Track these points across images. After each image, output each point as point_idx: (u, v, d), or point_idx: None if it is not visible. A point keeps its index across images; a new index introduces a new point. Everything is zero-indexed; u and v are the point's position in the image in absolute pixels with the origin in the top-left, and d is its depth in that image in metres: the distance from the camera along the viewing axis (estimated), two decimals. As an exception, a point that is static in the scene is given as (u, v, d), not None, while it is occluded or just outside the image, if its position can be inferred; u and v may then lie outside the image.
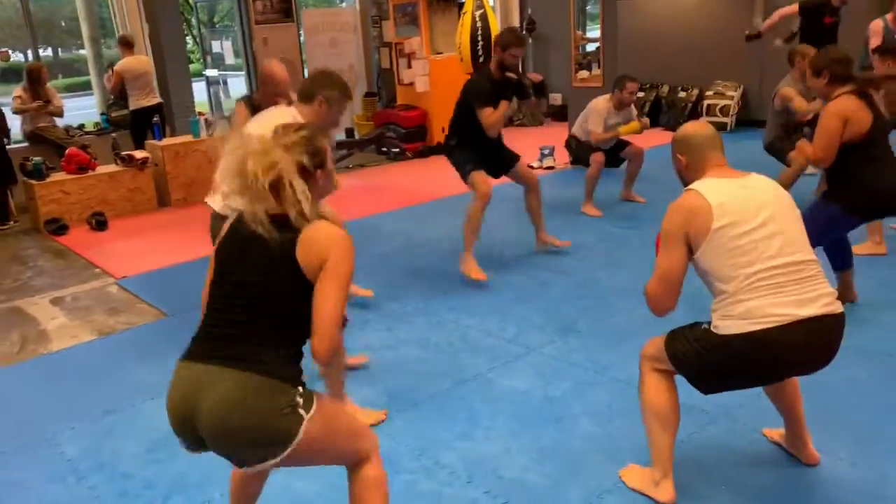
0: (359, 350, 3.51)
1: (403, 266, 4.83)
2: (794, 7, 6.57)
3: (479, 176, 4.37)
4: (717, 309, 2.13)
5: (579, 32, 10.13)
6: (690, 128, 2.35)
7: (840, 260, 3.61)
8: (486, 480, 2.51)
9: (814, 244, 3.29)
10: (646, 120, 5.90)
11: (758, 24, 8.05)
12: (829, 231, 3.39)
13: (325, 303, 1.71)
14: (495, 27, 7.22)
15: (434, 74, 8.56)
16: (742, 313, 2.05)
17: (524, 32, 10.12)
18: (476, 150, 4.39)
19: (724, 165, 2.27)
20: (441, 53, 8.66)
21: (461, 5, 7.58)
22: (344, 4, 10.55)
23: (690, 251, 2.15)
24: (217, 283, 1.82)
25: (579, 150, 6.04)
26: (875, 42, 6.42)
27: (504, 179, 4.69)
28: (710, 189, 2.14)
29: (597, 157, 5.70)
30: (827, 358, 2.14)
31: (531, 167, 5.96)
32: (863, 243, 4.32)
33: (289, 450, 1.69)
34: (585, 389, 3.09)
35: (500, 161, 4.56)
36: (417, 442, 2.76)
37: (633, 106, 5.90)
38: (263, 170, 1.71)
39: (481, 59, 7.11)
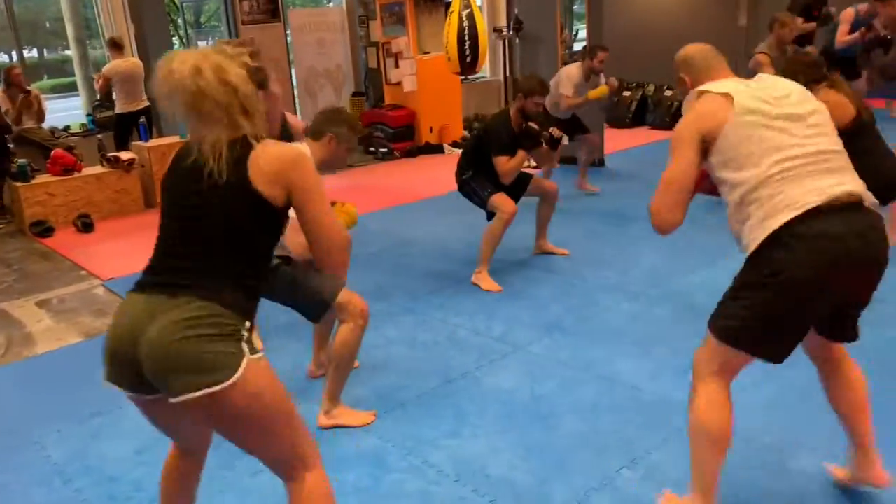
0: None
1: (391, 266, 4.83)
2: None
3: (500, 196, 4.33)
4: (745, 231, 1.94)
5: (567, 32, 10.17)
6: (691, 48, 2.22)
7: None
8: (473, 479, 2.52)
9: None
10: (613, 81, 5.94)
11: (743, 22, 8.12)
12: None
13: (318, 220, 1.71)
14: (482, 27, 7.23)
15: (421, 74, 8.57)
16: (774, 207, 1.86)
17: (511, 32, 10.15)
18: (492, 178, 4.35)
19: (733, 76, 2.13)
20: (428, 53, 8.67)
21: (448, 5, 7.58)
22: (331, 4, 10.53)
23: (708, 151, 1.98)
24: (167, 215, 1.75)
25: (546, 121, 5.99)
26: (844, 29, 6.62)
27: None
28: (726, 86, 2.01)
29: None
30: (879, 259, 1.91)
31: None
32: None
33: (225, 384, 1.53)
34: (572, 387, 3.11)
35: (516, 186, 4.49)
36: (405, 441, 2.77)
37: (602, 75, 5.93)
38: (215, 83, 1.63)
39: (469, 59, 7.13)
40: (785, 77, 3.48)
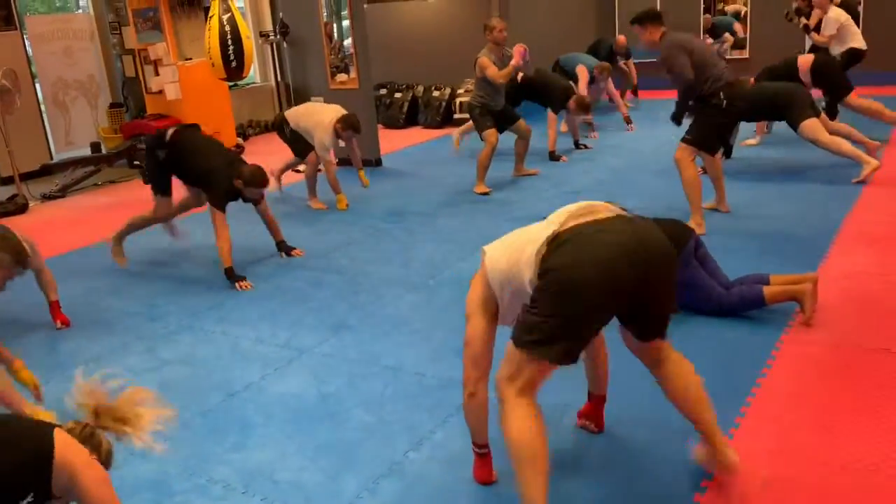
0: (118, 375, 3.27)
1: (164, 283, 4.56)
2: None
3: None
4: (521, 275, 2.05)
5: (336, 38, 10.21)
6: None
7: None
8: (262, 487, 2.46)
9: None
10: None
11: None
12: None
13: None
14: (246, 31, 7.03)
15: (185, 81, 8.16)
16: (529, 255, 2.04)
17: (277, 36, 10.00)
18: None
19: None
20: (190, 59, 8.28)
21: (207, 9, 7.29)
22: (79, 11, 9.67)
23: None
24: None
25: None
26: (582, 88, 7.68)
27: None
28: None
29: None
30: (651, 257, 2.04)
31: (299, 171, 5.92)
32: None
33: None
34: (359, 382, 3.14)
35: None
36: (187, 462, 2.63)
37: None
38: None
39: (234, 65, 6.89)
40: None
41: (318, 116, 5.78)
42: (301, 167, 6.27)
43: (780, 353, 3.09)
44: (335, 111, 5.77)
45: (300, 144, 5.95)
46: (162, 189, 4.73)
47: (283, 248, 4.82)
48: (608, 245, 1.95)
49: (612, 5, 11.37)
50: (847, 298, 3.55)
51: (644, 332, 2.17)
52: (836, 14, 7.17)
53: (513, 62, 5.71)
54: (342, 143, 5.84)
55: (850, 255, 4.08)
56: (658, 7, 10.37)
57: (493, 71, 5.72)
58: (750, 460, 2.35)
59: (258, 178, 4.38)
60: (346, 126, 5.68)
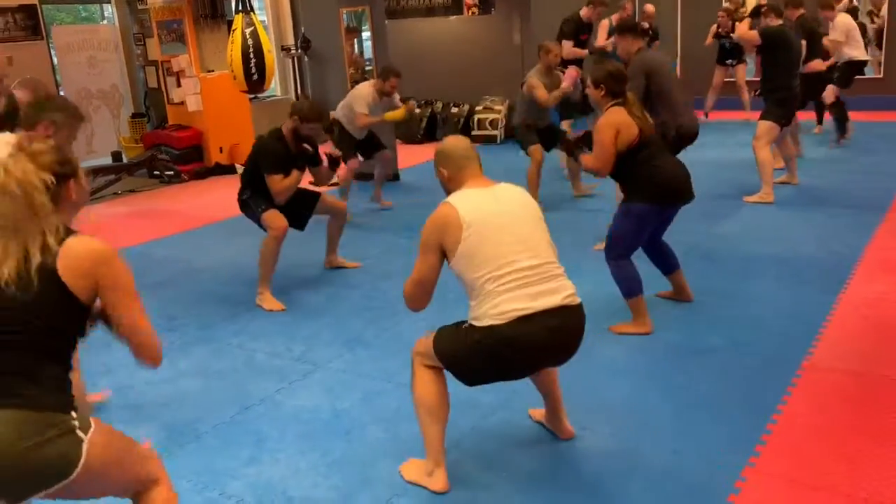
0: (134, 386, 3.28)
1: (181, 294, 4.57)
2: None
3: (271, 213, 4.22)
4: (471, 308, 2.33)
5: (356, 53, 10.29)
6: (449, 142, 2.53)
7: (666, 264, 3.83)
8: (274, 503, 2.44)
9: (632, 248, 3.58)
10: (412, 103, 6.12)
11: (517, 40, 8.69)
12: (640, 230, 3.54)
13: (130, 318, 1.77)
14: (268, 44, 7.11)
15: (207, 93, 8.24)
16: (488, 311, 2.26)
17: (299, 51, 10.09)
18: (270, 197, 4.23)
19: (480, 176, 2.47)
20: (213, 71, 8.36)
21: (230, 23, 7.37)
22: (104, 22, 9.82)
23: (446, 258, 2.35)
24: None
25: (341, 139, 6.05)
26: (601, 40, 7.40)
27: None
28: (462, 202, 2.33)
29: (351, 165, 5.87)
30: (569, 347, 2.37)
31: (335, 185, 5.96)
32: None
33: (74, 474, 1.60)
34: (374, 398, 3.12)
35: (300, 207, 4.43)
36: (201, 476, 2.63)
37: (397, 95, 6.08)
38: (13, 186, 1.64)
39: (255, 78, 6.97)
40: (591, 80, 3.70)
41: (357, 91, 5.93)
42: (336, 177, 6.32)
43: (801, 380, 3.04)
44: (373, 83, 5.94)
45: (345, 145, 5.96)
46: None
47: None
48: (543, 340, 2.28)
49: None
50: (869, 326, 3.50)
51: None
52: (845, 20, 7.08)
53: (564, 85, 5.70)
54: (385, 99, 5.93)
55: (871, 283, 4.02)
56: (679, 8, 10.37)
57: (541, 93, 5.64)
58: (770, 489, 2.31)
59: (315, 110, 4.27)
60: (387, 72, 5.83)
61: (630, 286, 3.52)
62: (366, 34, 8.27)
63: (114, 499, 1.85)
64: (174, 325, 4.04)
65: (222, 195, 7.39)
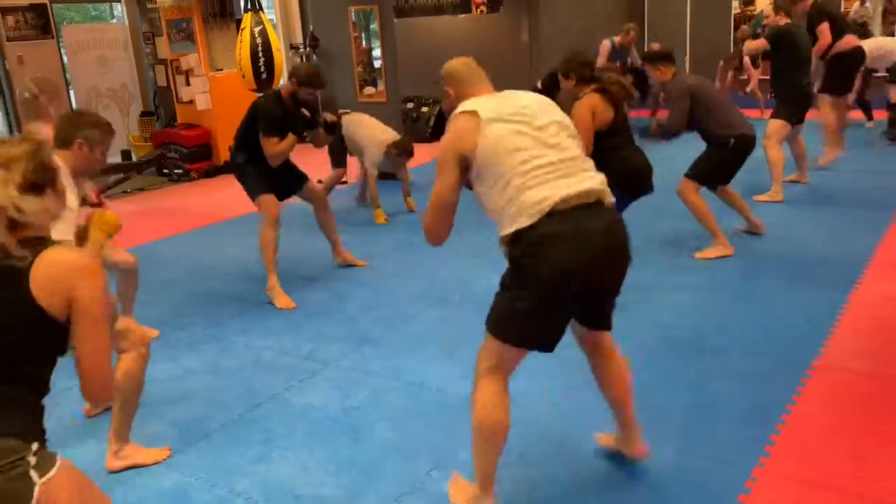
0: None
1: (189, 292, 4.59)
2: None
3: (267, 198, 4.25)
4: (502, 227, 2.12)
5: (366, 48, 10.31)
6: (455, 61, 2.39)
7: None
8: (282, 501, 2.44)
9: None
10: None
11: (525, 38, 8.69)
12: None
13: (85, 345, 1.57)
14: (276, 43, 7.13)
15: (215, 91, 8.26)
16: (520, 209, 2.04)
17: (308, 49, 10.10)
18: (264, 170, 4.27)
19: (490, 89, 2.31)
20: (221, 70, 8.39)
21: (239, 21, 7.39)
22: (113, 20, 9.86)
23: (467, 175, 2.16)
24: None
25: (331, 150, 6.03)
26: (601, 62, 7.41)
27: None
28: (477, 104, 2.16)
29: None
30: (622, 250, 2.12)
31: (320, 182, 5.95)
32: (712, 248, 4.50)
33: None
34: (382, 396, 3.12)
35: (289, 181, 4.47)
36: (210, 473, 2.63)
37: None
38: None
39: (264, 76, 6.98)
40: (560, 72, 3.78)
41: (372, 132, 5.85)
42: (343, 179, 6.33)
43: (812, 379, 3.02)
44: (390, 133, 5.89)
45: (338, 153, 5.98)
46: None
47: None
48: (591, 239, 2.04)
49: (643, 25, 11.34)
50: (880, 326, 3.48)
51: (592, 321, 2.29)
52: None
53: None
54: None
55: (883, 282, 3.99)
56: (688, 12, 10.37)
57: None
58: (781, 489, 2.30)
59: (314, 75, 4.24)
60: (401, 151, 5.78)
61: None
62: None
63: None
64: (182, 323, 4.05)
65: (231, 194, 7.39)
